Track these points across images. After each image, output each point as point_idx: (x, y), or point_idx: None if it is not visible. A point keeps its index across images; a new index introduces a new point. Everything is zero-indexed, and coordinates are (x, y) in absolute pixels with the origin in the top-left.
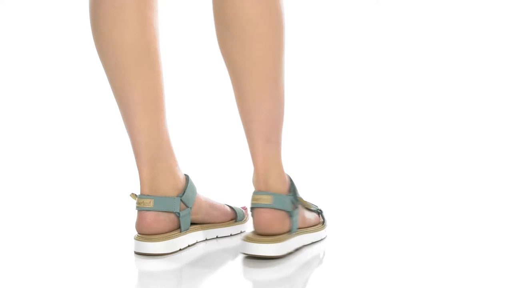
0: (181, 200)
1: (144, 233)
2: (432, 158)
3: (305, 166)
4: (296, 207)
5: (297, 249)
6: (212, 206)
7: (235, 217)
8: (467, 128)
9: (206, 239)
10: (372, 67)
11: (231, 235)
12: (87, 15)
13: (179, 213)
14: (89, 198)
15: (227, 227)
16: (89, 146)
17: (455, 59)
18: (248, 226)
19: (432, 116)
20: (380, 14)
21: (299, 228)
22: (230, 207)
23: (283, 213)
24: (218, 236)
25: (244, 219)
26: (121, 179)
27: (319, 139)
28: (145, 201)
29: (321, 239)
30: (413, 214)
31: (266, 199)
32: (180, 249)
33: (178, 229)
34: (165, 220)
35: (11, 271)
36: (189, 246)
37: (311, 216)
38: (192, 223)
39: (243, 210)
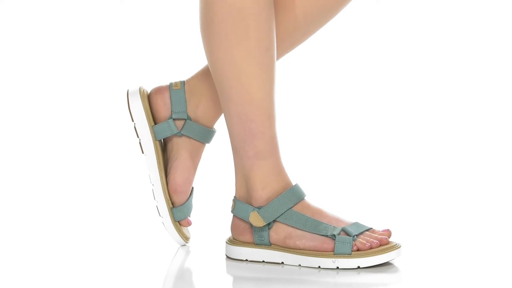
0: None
1: None
2: (432, 158)
3: (303, 168)
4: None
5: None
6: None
7: None
8: (469, 128)
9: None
10: (372, 67)
11: None
12: (86, 15)
13: None
14: (90, 198)
15: None
16: (91, 145)
17: (455, 59)
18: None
19: (433, 117)
20: (380, 14)
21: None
22: None
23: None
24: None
25: None
26: (122, 177)
27: (318, 140)
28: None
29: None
30: (414, 216)
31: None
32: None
33: None
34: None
35: (14, 271)
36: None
37: (306, 239)
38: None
39: None
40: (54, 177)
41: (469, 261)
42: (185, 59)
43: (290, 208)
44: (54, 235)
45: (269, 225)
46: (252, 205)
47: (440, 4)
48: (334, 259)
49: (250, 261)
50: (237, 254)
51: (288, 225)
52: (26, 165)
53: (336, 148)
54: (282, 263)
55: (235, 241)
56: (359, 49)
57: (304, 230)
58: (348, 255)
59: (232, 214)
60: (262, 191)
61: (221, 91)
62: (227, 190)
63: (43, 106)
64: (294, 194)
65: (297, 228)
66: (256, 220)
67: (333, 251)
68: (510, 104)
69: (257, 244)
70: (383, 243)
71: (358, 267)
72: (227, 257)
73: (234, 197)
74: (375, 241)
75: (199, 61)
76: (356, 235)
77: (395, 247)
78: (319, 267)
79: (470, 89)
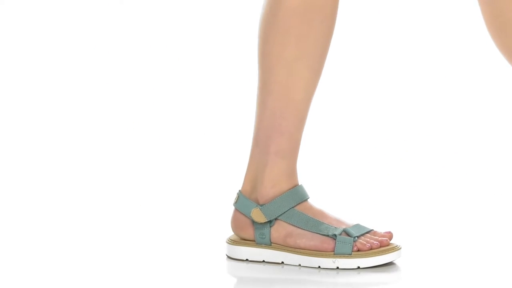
0: None
1: None
2: (433, 160)
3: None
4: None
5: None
6: None
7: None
8: (471, 130)
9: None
10: (372, 67)
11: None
12: (86, 15)
13: None
14: (89, 198)
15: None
16: (91, 147)
17: (456, 59)
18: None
19: (434, 119)
20: (380, 14)
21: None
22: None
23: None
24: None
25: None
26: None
27: (318, 141)
28: None
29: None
30: (415, 217)
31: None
32: None
33: None
34: None
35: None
36: None
37: (307, 238)
38: None
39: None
40: (54, 178)
41: (469, 261)
42: (185, 59)
43: (293, 207)
44: (53, 236)
45: (270, 223)
46: (256, 201)
47: (441, 4)
48: (334, 259)
49: (251, 261)
50: (237, 254)
51: (290, 224)
52: (27, 166)
53: (336, 150)
54: (282, 262)
55: (235, 241)
56: (358, 49)
57: (305, 230)
58: (348, 255)
59: (233, 208)
60: (271, 189)
61: (263, 82)
62: (227, 189)
63: (43, 106)
64: (297, 194)
65: (298, 227)
66: (258, 216)
67: (333, 251)
68: (510, 104)
69: (258, 244)
70: (384, 244)
71: (358, 267)
72: (228, 257)
73: (239, 191)
74: (375, 242)
75: (199, 61)
76: (357, 236)
77: (395, 248)
78: (319, 267)
79: (471, 90)
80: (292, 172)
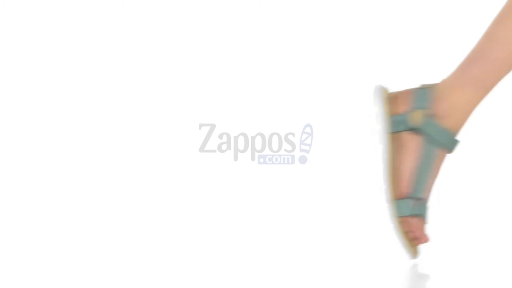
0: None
1: None
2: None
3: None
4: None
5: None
6: None
7: None
8: (481, 135)
9: None
10: (372, 67)
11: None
12: (87, 16)
13: None
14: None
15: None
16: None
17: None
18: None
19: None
20: (380, 14)
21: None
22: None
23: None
24: None
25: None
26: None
27: (320, 142)
28: None
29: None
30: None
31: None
32: None
33: None
34: None
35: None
36: None
37: (410, 163)
38: None
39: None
40: (54, 178)
41: (470, 261)
42: (186, 59)
43: (434, 148)
44: (53, 235)
45: (416, 131)
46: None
47: (441, 4)
48: (391, 211)
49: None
50: (376, 96)
51: (421, 141)
52: (26, 166)
53: (339, 150)
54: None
55: (387, 102)
56: (357, 49)
57: (424, 165)
58: (401, 217)
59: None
60: (451, 114)
61: (507, 7)
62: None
63: (43, 107)
64: (453, 142)
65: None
66: (417, 118)
67: (405, 197)
68: (510, 104)
69: (389, 119)
70: (424, 240)
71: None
72: (374, 93)
73: (435, 84)
74: (426, 238)
75: (199, 61)
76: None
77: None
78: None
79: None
80: (468, 111)
